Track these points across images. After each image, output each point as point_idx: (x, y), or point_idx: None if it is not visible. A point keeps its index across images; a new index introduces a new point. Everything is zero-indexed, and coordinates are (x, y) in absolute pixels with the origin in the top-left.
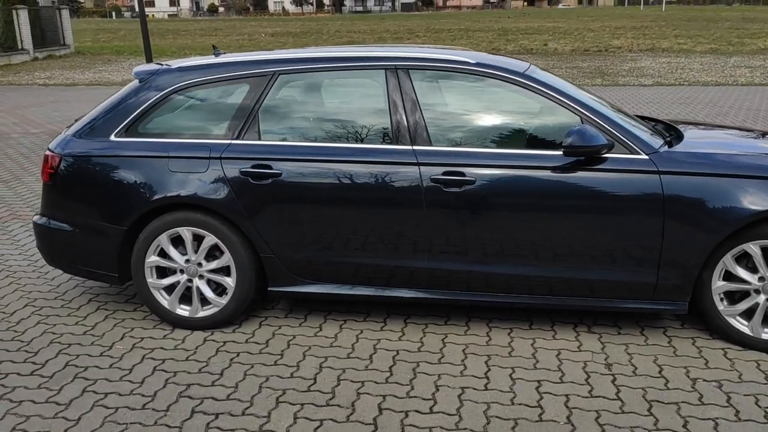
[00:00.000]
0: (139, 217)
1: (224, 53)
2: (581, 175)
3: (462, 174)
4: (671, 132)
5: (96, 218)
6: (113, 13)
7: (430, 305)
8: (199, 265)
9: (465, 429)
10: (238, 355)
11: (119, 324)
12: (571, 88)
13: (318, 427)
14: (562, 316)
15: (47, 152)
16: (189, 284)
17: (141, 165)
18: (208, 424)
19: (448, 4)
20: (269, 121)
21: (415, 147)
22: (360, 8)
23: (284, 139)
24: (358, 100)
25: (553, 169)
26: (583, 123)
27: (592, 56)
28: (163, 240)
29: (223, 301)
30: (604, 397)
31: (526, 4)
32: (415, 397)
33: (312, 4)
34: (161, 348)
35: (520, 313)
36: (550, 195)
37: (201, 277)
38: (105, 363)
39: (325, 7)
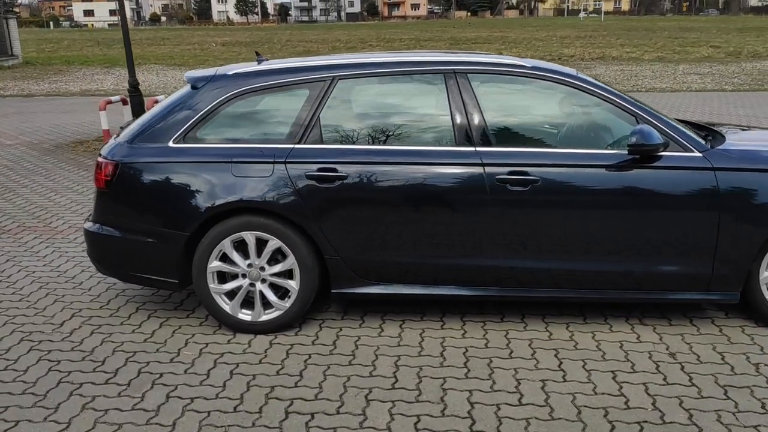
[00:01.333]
0: (202, 222)
1: (267, 60)
2: (641, 173)
3: (526, 173)
4: (707, 132)
5: (156, 224)
6: (51, 23)
7: (481, 303)
8: (262, 269)
9: (560, 419)
10: (310, 357)
11: (177, 331)
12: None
13: (417, 422)
14: (611, 310)
15: (101, 159)
16: (251, 288)
17: (203, 170)
18: (307, 423)
19: (393, 14)
20: (331, 125)
21: (478, 148)
22: (306, 18)
23: (347, 143)
24: (417, 104)
25: (614, 167)
26: (638, 123)
27: None
28: (227, 245)
29: (287, 304)
30: (680, 384)
31: (469, 14)
32: (500, 390)
33: (257, 14)
34: (230, 352)
35: (572, 308)
36: (611, 192)
37: (263, 281)
38: (179, 369)
39: (270, 17)
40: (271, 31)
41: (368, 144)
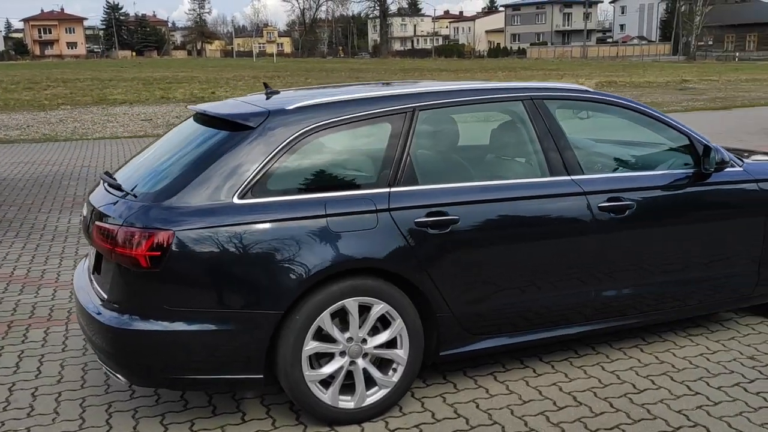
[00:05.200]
0: (303, 293)
1: (279, 92)
2: (715, 188)
3: (621, 199)
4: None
5: (235, 305)
6: None
7: (578, 339)
8: (363, 341)
9: None
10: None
11: None
12: None
13: None
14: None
15: (134, 229)
16: (350, 368)
17: (293, 229)
18: None
19: (47, 53)
20: (422, 162)
21: (573, 177)
22: None
23: (445, 181)
24: (503, 134)
25: (693, 185)
26: (692, 142)
27: None
28: (326, 319)
29: (393, 378)
30: None
31: (134, 54)
32: None
33: None
34: None
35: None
36: (694, 209)
37: (365, 355)
38: None
39: None
40: None
41: (467, 181)
